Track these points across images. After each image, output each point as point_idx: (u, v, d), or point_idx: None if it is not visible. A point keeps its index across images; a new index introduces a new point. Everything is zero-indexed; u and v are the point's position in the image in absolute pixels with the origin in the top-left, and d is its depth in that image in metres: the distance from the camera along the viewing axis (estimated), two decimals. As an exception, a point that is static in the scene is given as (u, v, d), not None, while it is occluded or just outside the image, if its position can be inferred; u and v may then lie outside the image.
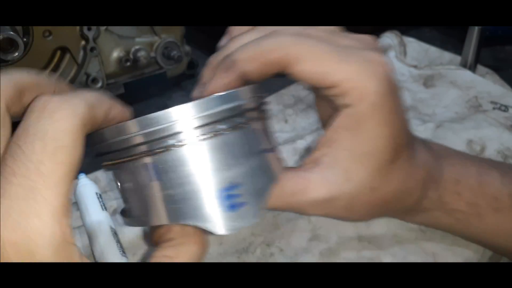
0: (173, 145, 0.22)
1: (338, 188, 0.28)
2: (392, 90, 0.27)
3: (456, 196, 0.31)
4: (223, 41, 0.31)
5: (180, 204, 0.23)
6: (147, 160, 0.23)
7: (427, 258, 0.35)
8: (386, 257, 0.35)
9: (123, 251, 0.35)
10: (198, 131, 0.22)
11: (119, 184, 0.26)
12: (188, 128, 0.22)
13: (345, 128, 0.27)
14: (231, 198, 0.23)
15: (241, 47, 0.27)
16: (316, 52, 0.26)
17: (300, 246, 0.36)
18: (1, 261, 0.19)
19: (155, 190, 0.23)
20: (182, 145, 0.22)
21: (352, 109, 0.27)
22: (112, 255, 0.34)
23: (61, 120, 0.19)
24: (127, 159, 0.23)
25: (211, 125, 0.23)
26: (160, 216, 0.24)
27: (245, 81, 0.27)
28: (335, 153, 0.28)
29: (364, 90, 0.26)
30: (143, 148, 0.22)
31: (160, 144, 0.22)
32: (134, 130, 0.22)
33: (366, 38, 0.29)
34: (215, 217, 0.23)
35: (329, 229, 0.37)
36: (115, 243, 0.35)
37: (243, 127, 0.23)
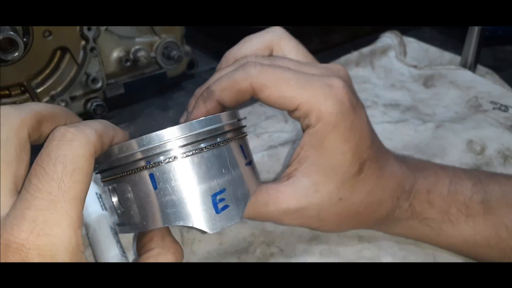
0: (167, 160, 0.27)
1: (307, 199, 0.31)
2: (348, 110, 0.30)
3: (427, 205, 0.33)
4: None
5: (174, 209, 0.27)
6: (146, 173, 0.27)
7: (427, 258, 0.35)
8: (386, 257, 0.35)
9: (123, 251, 0.35)
10: (186, 148, 0.27)
11: (117, 197, 0.29)
12: (177, 146, 0.27)
13: (311, 145, 0.31)
14: (216, 202, 0.28)
15: (217, 79, 0.31)
16: (279, 80, 0.30)
17: (300, 246, 0.36)
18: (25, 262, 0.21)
19: (152, 198, 0.27)
20: (173, 160, 0.27)
21: (313, 129, 0.30)
22: (112, 254, 0.34)
23: (78, 146, 0.23)
24: (129, 172, 0.27)
25: (204, 141, 0.27)
26: (157, 220, 0.27)
27: (223, 107, 0.32)
28: (304, 168, 0.31)
29: (321, 111, 0.29)
30: (142, 163, 0.27)
31: (156, 159, 0.27)
32: (135, 148, 0.27)
33: (333, 66, 0.32)
34: (203, 218, 0.27)
35: (329, 229, 0.37)
36: (115, 243, 0.35)
37: (222, 144, 0.28)
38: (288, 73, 0.30)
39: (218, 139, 0.28)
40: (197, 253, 0.36)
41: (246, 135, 0.31)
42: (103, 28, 0.53)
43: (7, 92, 0.51)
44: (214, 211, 0.27)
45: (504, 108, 0.51)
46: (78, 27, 0.51)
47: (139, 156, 0.27)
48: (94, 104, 0.54)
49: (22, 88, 0.51)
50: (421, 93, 0.56)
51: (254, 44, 0.34)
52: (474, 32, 0.56)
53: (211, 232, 0.27)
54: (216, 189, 0.28)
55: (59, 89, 0.53)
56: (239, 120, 0.30)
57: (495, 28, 0.66)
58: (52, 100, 0.52)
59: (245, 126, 0.31)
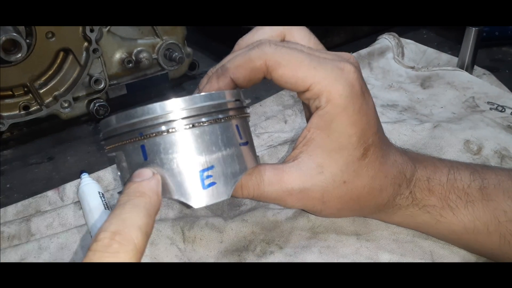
0: (162, 131, 0.27)
1: (311, 180, 0.31)
2: (357, 94, 0.30)
3: (428, 192, 0.34)
4: None
5: (166, 181, 0.28)
6: (138, 144, 0.28)
7: (424, 257, 0.36)
8: (384, 255, 0.36)
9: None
10: (183, 122, 0.27)
11: (118, 167, 0.30)
12: (168, 120, 0.27)
13: (318, 127, 0.31)
14: (203, 178, 0.28)
15: (232, 57, 0.31)
16: (293, 59, 0.30)
17: (299, 244, 0.37)
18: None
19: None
20: (163, 134, 0.27)
21: (322, 111, 0.31)
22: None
23: (124, 259, 0.23)
24: (124, 142, 0.28)
25: (195, 117, 0.27)
26: None
27: (235, 86, 0.32)
28: (310, 150, 0.32)
29: (331, 92, 0.30)
30: (135, 133, 0.27)
31: (153, 130, 0.27)
32: (130, 119, 0.27)
33: (343, 53, 0.33)
34: (189, 193, 0.28)
35: (328, 227, 0.38)
36: (117, 241, 0.35)
37: (221, 121, 0.28)
38: (301, 54, 0.30)
39: (210, 117, 0.28)
40: (198, 251, 0.37)
41: (246, 115, 0.31)
42: (105, 29, 0.54)
43: (10, 92, 0.51)
44: (200, 187, 0.28)
45: (501, 109, 0.52)
46: (80, 29, 0.52)
47: (133, 127, 0.27)
48: (97, 104, 0.55)
49: (25, 89, 0.52)
50: (419, 94, 0.57)
51: (266, 31, 0.34)
52: (471, 33, 0.56)
53: (195, 207, 0.28)
54: (205, 165, 0.28)
55: (62, 90, 0.53)
56: (237, 100, 0.30)
57: (492, 29, 0.67)
58: (55, 100, 0.53)
59: (246, 107, 0.31)
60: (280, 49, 0.30)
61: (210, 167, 0.28)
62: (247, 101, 0.32)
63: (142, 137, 0.27)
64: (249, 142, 0.31)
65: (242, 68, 0.31)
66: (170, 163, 0.28)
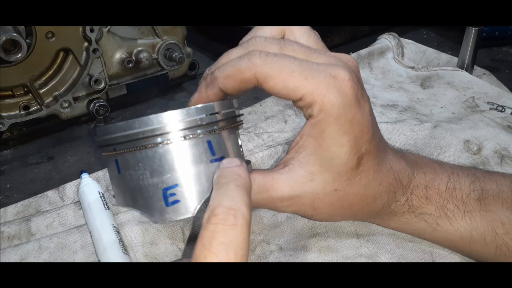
0: (131, 149, 0.28)
1: (301, 187, 0.31)
2: (351, 103, 0.30)
3: (425, 201, 0.34)
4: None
5: (136, 195, 0.29)
6: (115, 157, 0.29)
7: (424, 256, 0.36)
8: (384, 255, 0.36)
9: (125, 249, 0.35)
10: (149, 140, 0.28)
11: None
12: (136, 138, 0.28)
13: (311, 135, 0.31)
14: (167, 196, 0.28)
15: (222, 66, 0.31)
16: (283, 70, 0.29)
17: (299, 244, 0.37)
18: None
19: (118, 181, 0.30)
20: (131, 151, 0.28)
21: (314, 119, 0.30)
22: (114, 253, 0.34)
23: (241, 231, 0.24)
24: (105, 154, 0.30)
25: (161, 136, 0.28)
26: (121, 200, 0.30)
27: (225, 95, 0.31)
28: (302, 157, 0.32)
29: (323, 102, 0.29)
30: (112, 148, 0.29)
31: (123, 146, 0.28)
32: (107, 133, 0.29)
33: (343, 56, 0.32)
34: (152, 209, 0.29)
35: (328, 227, 0.38)
36: (117, 242, 0.35)
37: (182, 140, 0.28)
38: (292, 63, 0.29)
39: (175, 136, 0.28)
40: (198, 251, 0.37)
41: (223, 129, 0.30)
42: (105, 29, 0.54)
43: (10, 92, 0.51)
44: (164, 204, 0.29)
45: (501, 109, 0.52)
46: (80, 29, 0.52)
47: (109, 142, 0.29)
48: (97, 104, 0.55)
49: (25, 89, 0.52)
50: (419, 94, 0.57)
51: (266, 31, 0.33)
52: (471, 33, 0.56)
53: (158, 223, 0.29)
54: (168, 183, 0.28)
55: (62, 90, 0.53)
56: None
57: (492, 29, 0.67)
58: (55, 100, 0.53)
59: (224, 119, 0.30)
60: (270, 60, 0.29)
61: (174, 186, 0.28)
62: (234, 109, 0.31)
63: (115, 152, 0.29)
64: (224, 157, 0.30)
65: (231, 79, 0.30)
66: (138, 178, 0.29)
